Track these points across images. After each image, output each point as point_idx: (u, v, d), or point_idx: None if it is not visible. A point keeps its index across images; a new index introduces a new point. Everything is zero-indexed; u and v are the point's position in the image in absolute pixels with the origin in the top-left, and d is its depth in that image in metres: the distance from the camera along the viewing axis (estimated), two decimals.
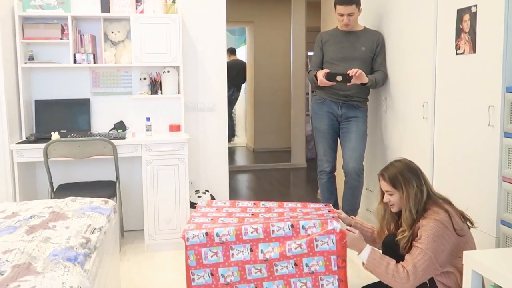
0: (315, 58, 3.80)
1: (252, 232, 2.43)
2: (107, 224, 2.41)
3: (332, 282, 2.42)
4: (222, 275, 2.45)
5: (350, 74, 3.44)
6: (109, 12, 3.78)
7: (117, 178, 3.65)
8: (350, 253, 2.78)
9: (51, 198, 3.48)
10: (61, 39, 3.72)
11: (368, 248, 2.35)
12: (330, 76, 3.49)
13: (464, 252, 2.02)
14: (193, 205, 3.82)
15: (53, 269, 1.73)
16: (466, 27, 2.76)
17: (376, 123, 3.94)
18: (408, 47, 3.41)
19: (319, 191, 3.97)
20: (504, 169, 2.49)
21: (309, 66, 4.24)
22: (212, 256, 2.44)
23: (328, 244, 2.41)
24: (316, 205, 2.95)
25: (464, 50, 2.78)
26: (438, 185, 3.00)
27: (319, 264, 2.43)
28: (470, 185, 2.76)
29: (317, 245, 2.41)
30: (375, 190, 3.92)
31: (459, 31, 2.83)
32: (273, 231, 2.43)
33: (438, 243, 2.18)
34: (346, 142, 3.69)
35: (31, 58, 3.73)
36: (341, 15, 3.59)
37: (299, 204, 2.95)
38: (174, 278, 3.16)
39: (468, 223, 2.31)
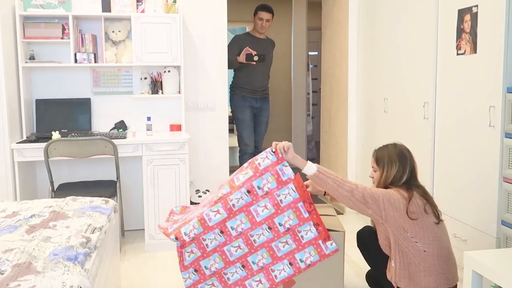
0: (235, 51, 4.47)
1: (215, 215, 2.38)
2: (108, 223, 2.41)
3: (310, 230, 2.39)
4: (206, 267, 2.43)
5: (264, 55, 4.41)
6: (110, 11, 3.78)
7: (118, 177, 3.64)
8: (351, 253, 2.78)
9: (51, 197, 3.48)
10: (62, 38, 3.72)
11: (312, 163, 2.42)
12: (248, 57, 4.39)
13: (464, 252, 2.01)
14: (193, 205, 3.82)
15: (53, 269, 1.73)
16: (467, 27, 2.75)
17: (376, 123, 3.94)
18: (409, 47, 3.41)
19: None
20: (504, 170, 2.49)
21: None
22: (189, 256, 2.43)
23: (290, 195, 2.39)
24: (263, 155, 2.66)
25: (465, 51, 2.78)
26: (439, 185, 3.00)
27: (291, 218, 2.39)
28: (470, 186, 2.76)
29: (281, 200, 2.39)
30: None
31: (460, 31, 2.82)
32: (233, 205, 2.38)
33: (390, 199, 2.23)
34: (258, 130, 4.88)
35: (31, 58, 3.72)
36: (261, 19, 4.58)
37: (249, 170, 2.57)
38: (174, 278, 3.16)
39: (435, 215, 2.30)
